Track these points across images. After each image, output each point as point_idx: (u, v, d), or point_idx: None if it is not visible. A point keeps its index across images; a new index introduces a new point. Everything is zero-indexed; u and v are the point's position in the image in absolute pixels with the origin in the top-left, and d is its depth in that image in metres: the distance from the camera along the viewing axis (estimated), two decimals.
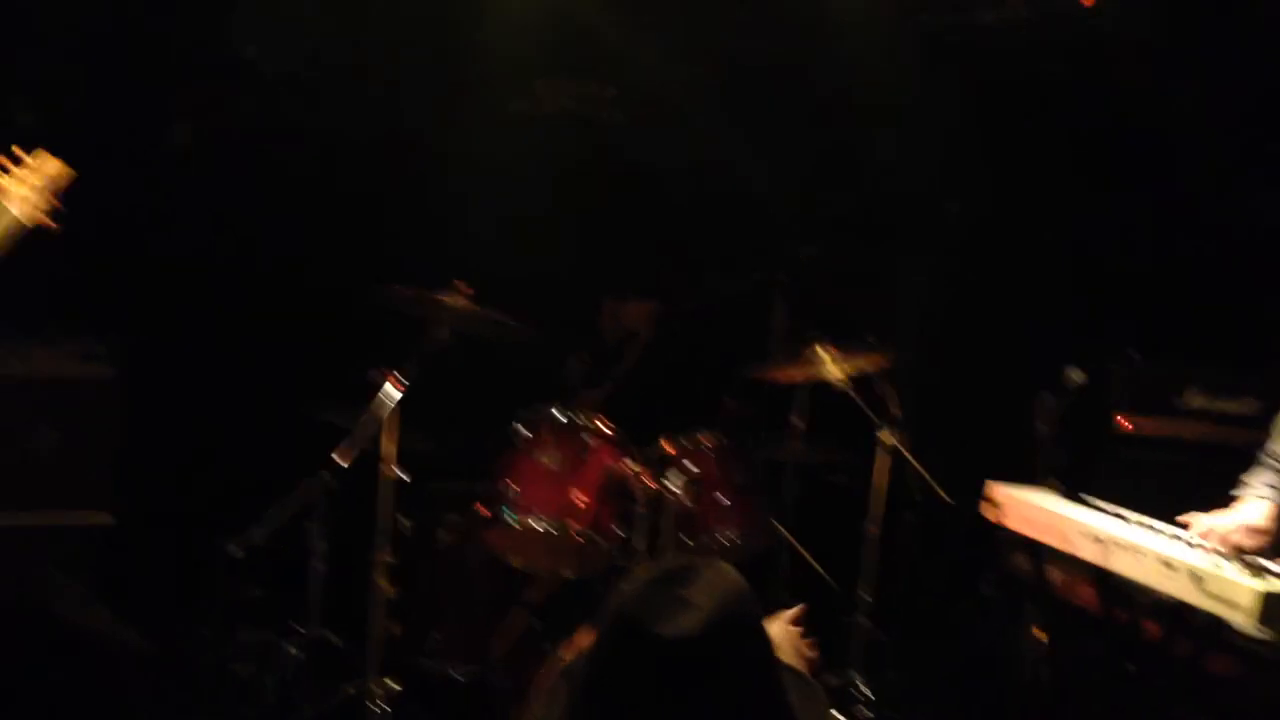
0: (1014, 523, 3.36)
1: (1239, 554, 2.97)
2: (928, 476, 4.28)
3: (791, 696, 1.74)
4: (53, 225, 2.92)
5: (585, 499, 3.84)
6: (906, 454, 4.32)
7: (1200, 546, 2.99)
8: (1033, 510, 3.31)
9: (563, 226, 5.37)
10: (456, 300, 3.84)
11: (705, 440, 4.06)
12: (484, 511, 3.88)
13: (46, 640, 3.57)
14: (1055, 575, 3.42)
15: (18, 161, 2.89)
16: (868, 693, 4.13)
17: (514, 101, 5.48)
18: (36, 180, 2.88)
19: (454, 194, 5.19)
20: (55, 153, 3.01)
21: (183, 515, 4.37)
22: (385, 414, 3.74)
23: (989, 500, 3.44)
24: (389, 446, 3.78)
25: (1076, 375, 3.70)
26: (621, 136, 5.56)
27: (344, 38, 4.86)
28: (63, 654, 3.52)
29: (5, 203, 2.83)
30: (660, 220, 5.46)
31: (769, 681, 1.71)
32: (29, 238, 2.88)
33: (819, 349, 4.25)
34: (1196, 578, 2.74)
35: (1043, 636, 3.39)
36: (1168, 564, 2.82)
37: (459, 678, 4.07)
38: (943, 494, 4.21)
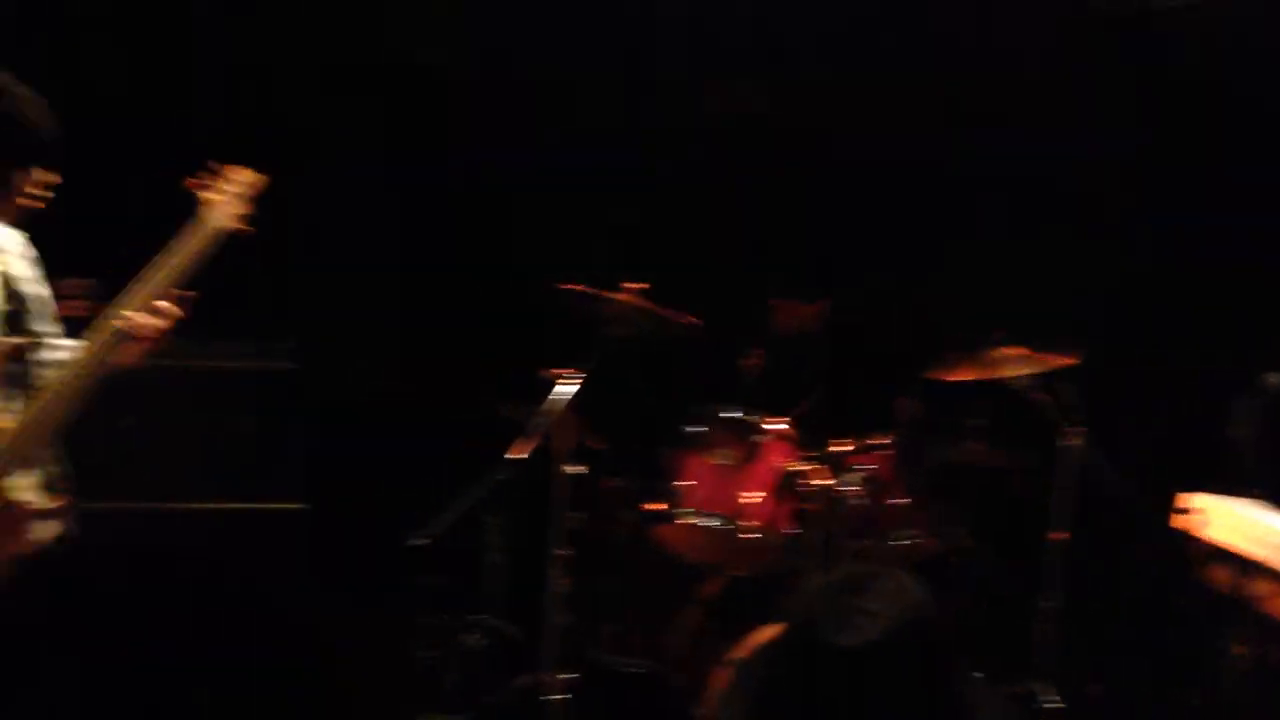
0: (1213, 534, 3.20)
1: None
2: (1116, 482, 4.10)
3: (976, 709, 1.70)
4: (248, 230, 3.08)
5: (758, 497, 3.82)
6: (1092, 458, 4.16)
7: None
8: (1235, 521, 3.15)
9: (735, 224, 5.35)
10: (631, 300, 3.87)
11: (881, 441, 3.99)
12: (657, 508, 3.91)
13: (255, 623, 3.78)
14: (1259, 589, 3.24)
15: (215, 174, 3.07)
16: (1056, 703, 3.99)
17: (686, 101, 5.48)
18: (233, 189, 3.05)
19: (629, 193, 5.23)
20: (243, 158, 3.18)
21: (368, 506, 4.52)
22: (560, 411, 3.80)
23: (1184, 510, 3.29)
24: (564, 443, 3.84)
25: (1274, 378, 3.51)
26: (792, 133, 5.50)
27: (517, 37, 4.95)
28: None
29: (207, 212, 2.99)
30: (835, 217, 5.39)
31: (951, 693, 1.66)
32: (227, 242, 3.04)
33: (1000, 348, 4.13)
34: None
35: (1244, 651, 3.22)
36: None
37: (632, 672, 4.10)
38: (1134, 501, 4.03)
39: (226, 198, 3.03)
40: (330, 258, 4.88)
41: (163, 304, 2.86)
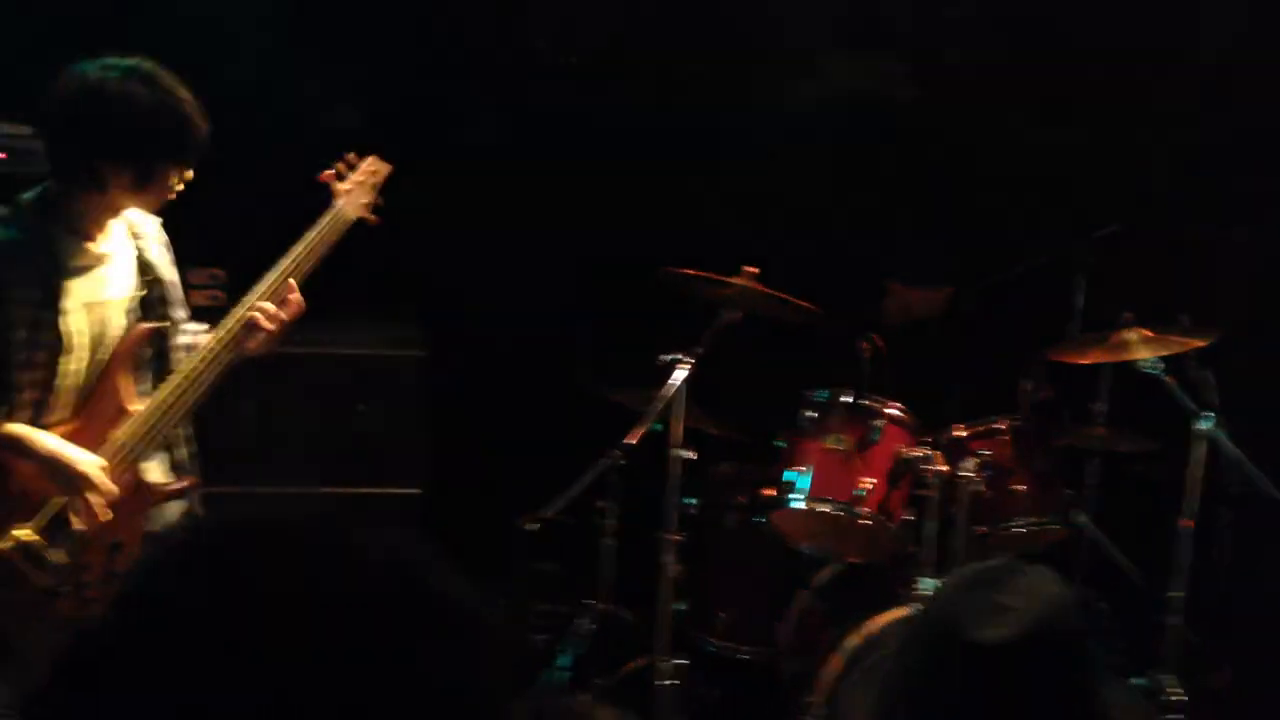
0: None
1: None
2: (1253, 469, 3.94)
3: (1113, 708, 1.65)
4: (375, 220, 3.15)
5: (874, 483, 3.77)
6: (1225, 444, 4.00)
7: None
8: None
9: (855, 208, 5.28)
10: (746, 284, 3.85)
11: (1001, 425, 3.90)
12: (771, 493, 3.88)
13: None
14: None
15: (347, 164, 3.14)
16: (1180, 695, 3.85)
17: (804, 80, 5.42)
18: (362, 179, 3.11)
19: (745, 176, 5.20)
20: (372, 148, 3.24)
21: (485, 489, 4.58)
22: (674, 396, 3.79)
23: None
24: (677, 427, 3.84)
25: None
26: (915, 113, 5.40)
27: (632, 22, 4.95)
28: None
29: (335, 200, 3.06)
30: (955, 199, 5.28)
31: (1087, 692, 1.62)
32: (354, 230, 3.10)
33: (1128, 330, 3.99)
34: None
35: None
36: None
37: (745, 657, 4.09)
38: (1270, 489, 3.87)
39: (356, 188, 3.10)
40: (454, 244, 4.95)
41: (290, 294, 2.94)
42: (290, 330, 2.97)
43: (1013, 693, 1.54)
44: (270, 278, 2.95)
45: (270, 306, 2.90)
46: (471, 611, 0.96)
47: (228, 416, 3.95)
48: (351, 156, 3.17)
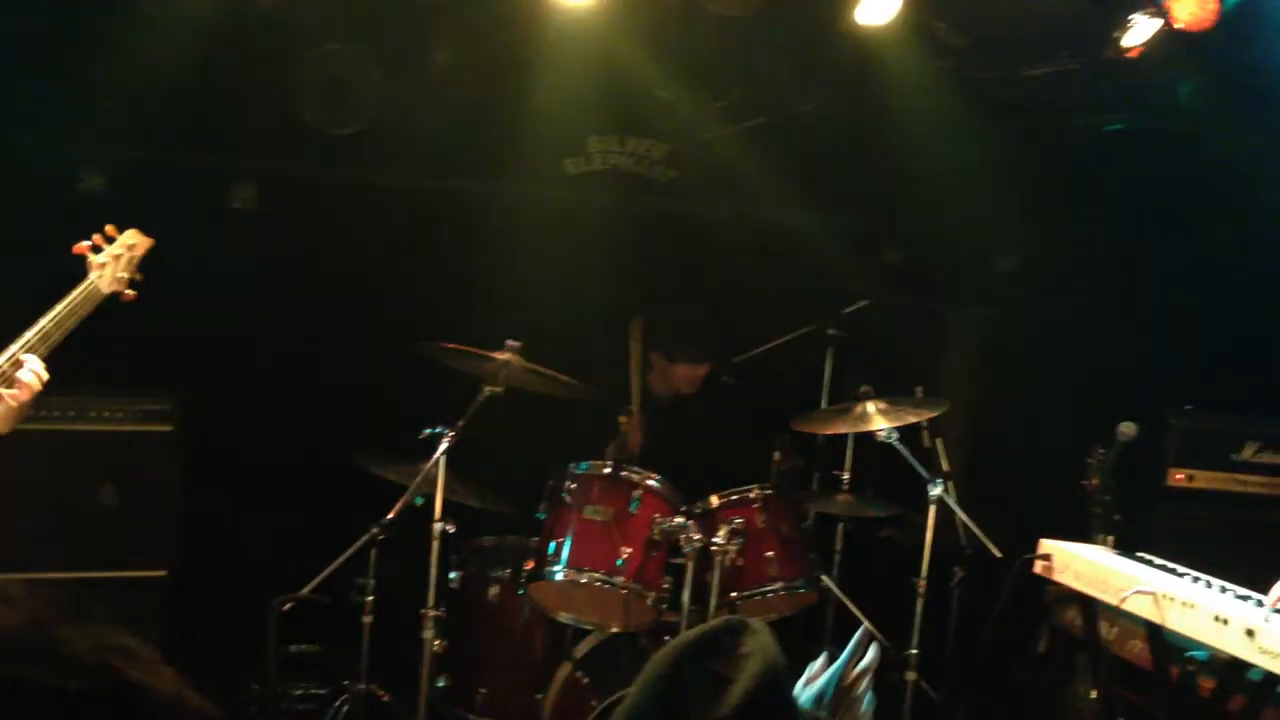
0: (1066, 578, 3.32)
1: None
2: (978, 531, 4.24)
3: None
4: (131, 295, 3.07)
5: (632, 553, 3.85)
6: (955, 508, 4.29)
7: (1258, 601, 2.95)
8: (1085, 565, 3.27)
9: (614, 282, 5.43)
10: (509, 358, 3.90)
11: (754, 494, 4.06)
12: (532, 566, 3.91)
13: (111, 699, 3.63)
14: (1108, 631, 3.37)
15: (109, 239, 3.05)
16: None
17: (567, 160, 5.57)
18: (119, 252, 3.04)
19: (509, 251, 5.27)
20: (122, 213, 3.16)
21: (240, 570, 4.43)
22: (435, 469, 3.79)
23: (1040, 556, 3.41)
24: (438, 501, 3.83)
25: (1129, 429, 3.66)
26: (673, 193, 5.62)
27: (400, 98, 4.98)
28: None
29: (90, 273, 2.98)
30: (712, 275, 5.51)
31: None
32: (105, 303, 3.02)
33: (867, 402, 4.25)
34: (1249, 633, 2.70)
35: (1095, 693, 3.34)
36: (1221, 619, 2.78)
37: None
38: (993, 548, 4.17)
39: (112, 261, 3.02)
40: (207, 315, 4.81)
41: (31, 365, 2.82)
42: (30, 406, 2.84)
43: None
44: (12, 350, 2.82)
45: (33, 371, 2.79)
46: (179, 708, 0.96)
47: None
48: (110, 229, 3.08)
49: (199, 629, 4.23)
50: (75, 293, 2.94)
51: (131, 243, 3.10)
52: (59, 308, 2.90)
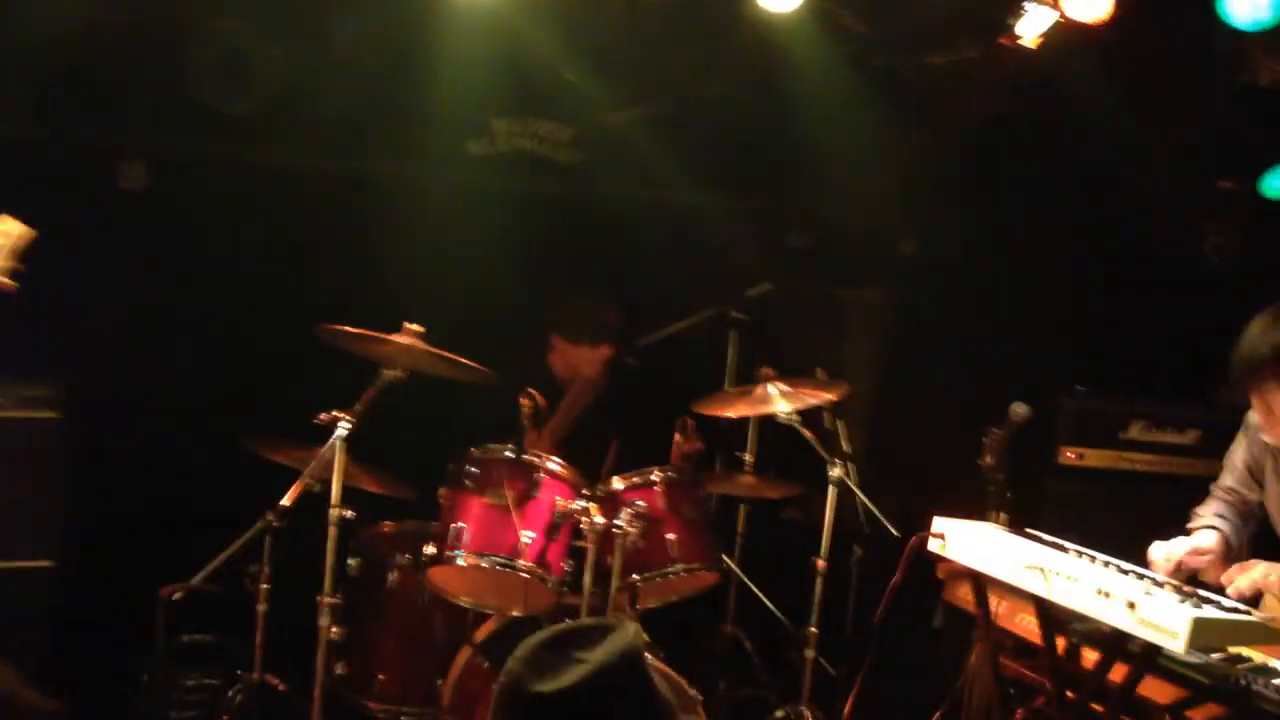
0: (958, 555, 3.37)
1: (1183, 580, 3.03)
2: (875, 510, 4.30)
3: None
4: (12, 286, 2.97)
5: (533, 536, 3.83)
6: (854, 488, 4.35)
7: (1145, 575, 3.04)
8: (975, 543, 3.33)
9: (517, 265, 5.40)
10: (407, 340, 3.85)
11: (656, 476, 4.06)
12: (432, 550, 3.87)
13: None
14: (998, 606, 3.44)
15: None
16: None
17: (471, 141, 5.51)
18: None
19: (410, 233, 5.21)
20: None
21: (127, 558, 4.32)
22: (332, 454, 3.73)
23: (934, 534, 3.46)
24: (335, 487, 3.77)
25: (1021, 410, 3.73)
26: (578, 176, 5.60)
27: (298, 76, 4.88)
28: None
29: None
30: (616, 258, 5.50)
31: None
32: None
33: (768, 384, 4.28)
34: (1130, 605, 2.77)
35: (988, 667, 3.40)
36: (1104, 592, 2.85)
37: (406, 719, 4.04)
38: (891, 528, 4.23)
39: None
40: (93, 298, 4.67)
41: None
42: None
43: None
44: None
45: None
46: (13, 705, 0.92)
47: None
48: None
49: (88, 620, 4.12)
50: None
51: (8, 230, 3.00)
52: None
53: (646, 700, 1.68)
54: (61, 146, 4.73)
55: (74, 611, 4.18)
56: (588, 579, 3.86)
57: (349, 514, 3.81)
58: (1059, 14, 4.37)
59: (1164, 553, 3.11)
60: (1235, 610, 2.88)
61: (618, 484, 4.06)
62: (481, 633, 4.04)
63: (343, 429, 3.75)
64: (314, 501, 3.78)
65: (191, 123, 4.84)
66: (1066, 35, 4.47)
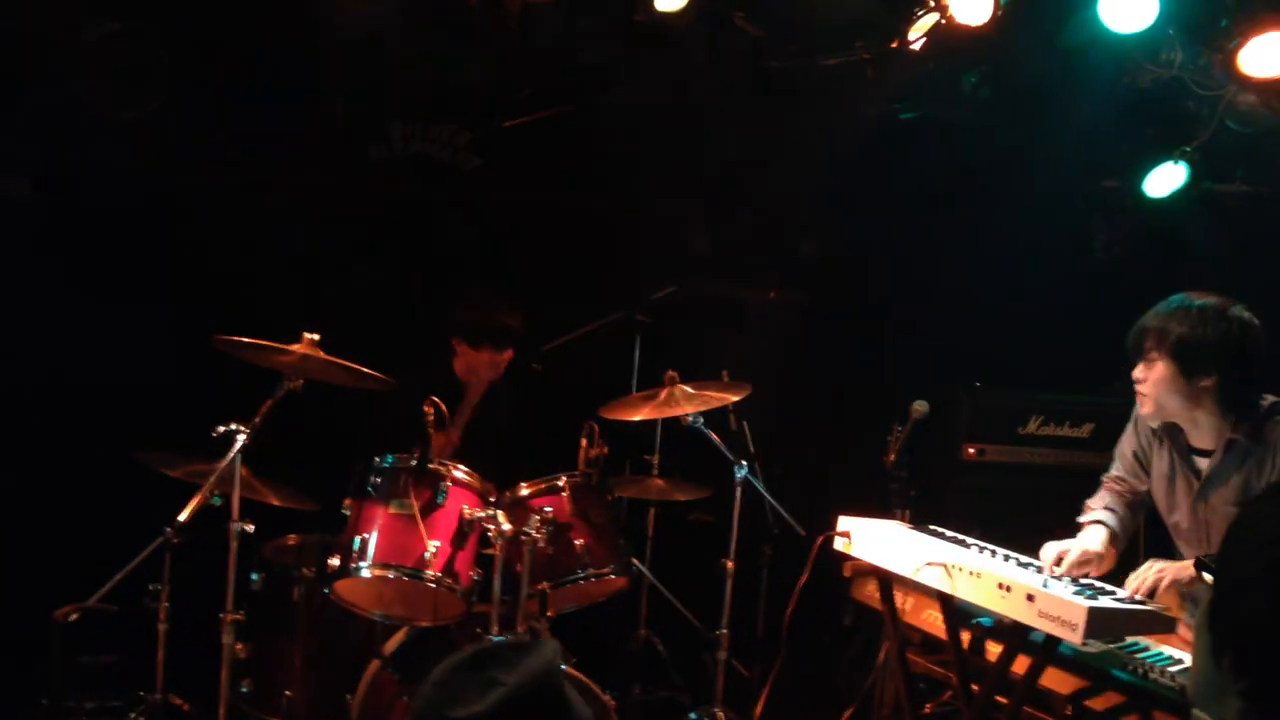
0: (863, 553, 3.42)
1: (1077, 576, 3.12)
2: (782, 510, 4.34)
3: None
4: None
5: (440, 546, 3.78)
6: (761, 489, 4.38)
7: (1037, 568, 3.12)
8: (880, 540, 3.39)
9: (419, 271, 5.34)
10: (306, 350, 3.78)
11: (563, 482, 4.05)
12: (336, 562, 3.80)
13: None
14: (903, 602, 3.50)
15: None
16: None
17: (370, 146, 5.45)
18: None
19: (309, 240, 5.13)
20: None
21: (20, 577, 4.18)
22: (231, 467, 3.64)
23: (839, 533, 3.50)
24: (235, 500, 3.68)
25: (921, 407, 3.80)
26: (478, 180, 5.56)
27: (190, 80, 4.77)
28: None
29: None
30: (517, 262, 5.47)
31: None
32: None
33: (673, 387, 4.29)
34: (1030, 598, 2.84)
35: (896, 664, 3.46)
36: (1004, 586, 2.91)
37: None
38: (797, 527, 4.27)
39: None
40: None
41: None
42: None
43: None
44: None
45: None
46: None
47: None
48: None
49: None
50: None
51: None
52: None
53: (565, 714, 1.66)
54: None
55: None
56: (497, 587, 3.83)
57: (249, 528, 3.72)
58: (941, 16, 4.44)
59: (1054, 553, 3.20)
60: (1130, 601, 2.97)
61: (525, 490, 4.04)
62: (390, 645, 3.99)
63: (240, 441, 3.67)
64: (214, 515, 3.69)
65: (82, 130, 4.69)
66: (953, 38, 4.56)
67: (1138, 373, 3.25)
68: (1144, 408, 3.28)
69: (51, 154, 4.85)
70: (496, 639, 1.71)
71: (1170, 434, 3.30)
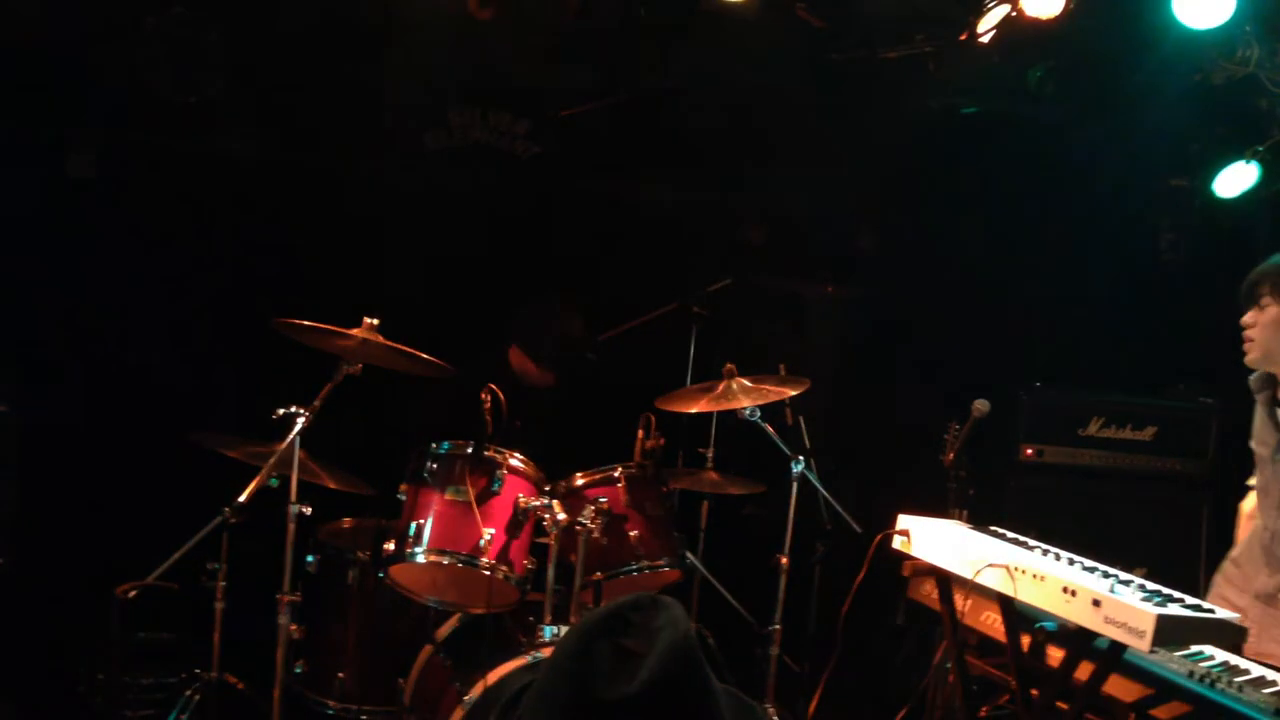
0: (921, 552, 3.38)
1: (1139, 578, 3.06)
2: (838, 506, 4.30)
3: None
4: None
5: (495, 533, 3.79)
6: (817, 484, 4.35)
7: (1110, 573, 3.06)
8: (939, 540, 3.34)
9: (477, 259, 5.34)
10: (366, 335, 3.79)
11: (618, 473, 4.04)
12: (391, 547, 3.82)
13: None
14: (962, 604, 3.45)
15: None
16: None
17: (427, 134, 5.46)
18: None
19: (368, 227, 5.14)
20: None
21: (82, 556, 4.24)
22: (290, 450, 3.67)
23: (898, 531, 3.46)
24: (293, 483, 3.71)
25: (982, 406, 3.75)
26: (536, 169, 5.56)
27: (250, 66, 4.79)
28: None
29: None
30: (575, 252, 5.46)
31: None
32: None
33: (730, 380, 4.27)
34: (1095, 603, 2.78)
35: (951, 665, 3.42)
36: (1069, 590, 2.86)
37: (365, 719, 4.00)
38: (854, 524, 4.23)
39: None
40: (44, 293, 4.57)
41: None
42: None
43: None
44: None
45: None
46: None
47: None
48: None
49: (41, 618, 4.04)
50: None
51: None
52: None
53: (706, 692, 1.62)
54: (8, 134, 4.61)
55: (26, 610, 4.09)
56: (551, 576, 3.83)
57: (307, 510, 3.75)
58: (1012, 9, 4.37)
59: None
60: (1199, 608, 2.91)
61: (580, 480, 4.04)
62: (443, 630, 4.00)
63: (300, 423, 3.69)
64: (272, 497, 3.71)
65: (143, 112, 4.73)
66: (1020, 31, 4.49)
67: (1247, 318, 3.36)
68: (1250, 353, 3.37)
69: (115, 137, 4.90)
70: (624, 600, 1.66)
71: (1267, 385, 3.36)
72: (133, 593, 3.53)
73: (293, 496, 3.71)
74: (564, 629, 3.66)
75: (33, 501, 4.27)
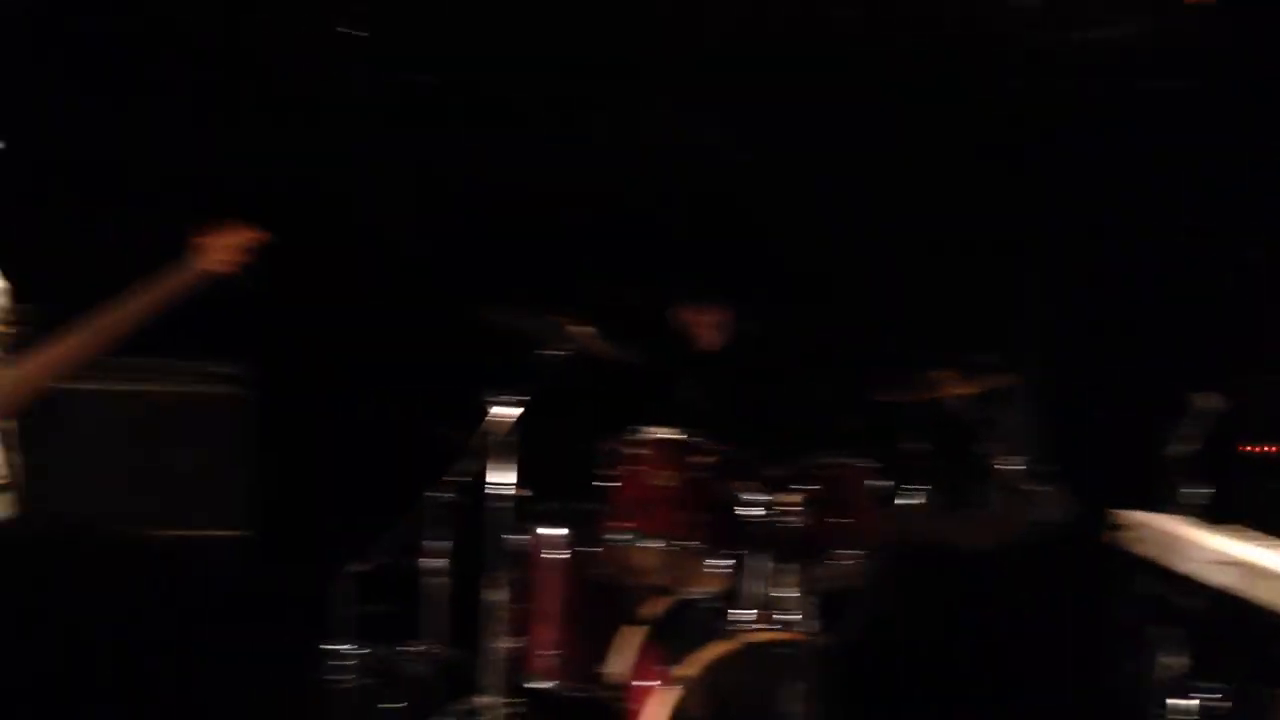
0: (1146, 549, 3.25)
1: None
2: (1049, 501, 4.17)
3: None
4: (234, 273, 3.12)
5: (699, 517, 3.83)
6: (1025, 477, 4.23)
7: None
8: (1167, 537, 3.20)
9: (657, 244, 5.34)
10: (574, 322, 3.89)
11: (821, 461, 4.01)
12: (599, 530, 3.90)
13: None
14: (1189, 603, 3.31)
15: (217, 227, 3.13)
16: None
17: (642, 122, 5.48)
18: (227, 240, 3.11)
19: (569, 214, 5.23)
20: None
21: (311, 532, 4.47)
22: (504, 432, 3.79)
23: (1118, 526, 3.34)
24: (507, 465, 3.83)
25: (1212, 400, 3.60)
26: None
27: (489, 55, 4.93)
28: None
29: (194, 256, 3.07)
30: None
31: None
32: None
33: (939, 370, 4.19)
34: None
35: (1177, 664, 3.28)
36: None
37: (578, 695, 4.08)
38: (1065, 519, 4.10)
39: (219, 246, 3.08)
40: (279, 278, 4.83)
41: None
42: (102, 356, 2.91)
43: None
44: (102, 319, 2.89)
45: None
46: None
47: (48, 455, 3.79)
48: (223, 220, 3.16)
49: (275, 591, 4.28)
50: (172, 269, 3.01)
51: (241, 235, 3.17)
52: (154, 283, 2.98)
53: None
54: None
55: (261, 583, 4.34)
56: (752, 563, 3.84)
57: (519, 491, 3.87)
58: None
59: None
60: None
61: (784, 467, 4.03)
62: (653, 612, 4.05)
63: (515, 408, 3.81)
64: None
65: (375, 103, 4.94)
66: None
67: None
68: None
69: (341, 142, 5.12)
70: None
71: None
72: (363, 568, 3.73)
73: (507, 479, 3.83)
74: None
75: (272, 480, 4.51)
